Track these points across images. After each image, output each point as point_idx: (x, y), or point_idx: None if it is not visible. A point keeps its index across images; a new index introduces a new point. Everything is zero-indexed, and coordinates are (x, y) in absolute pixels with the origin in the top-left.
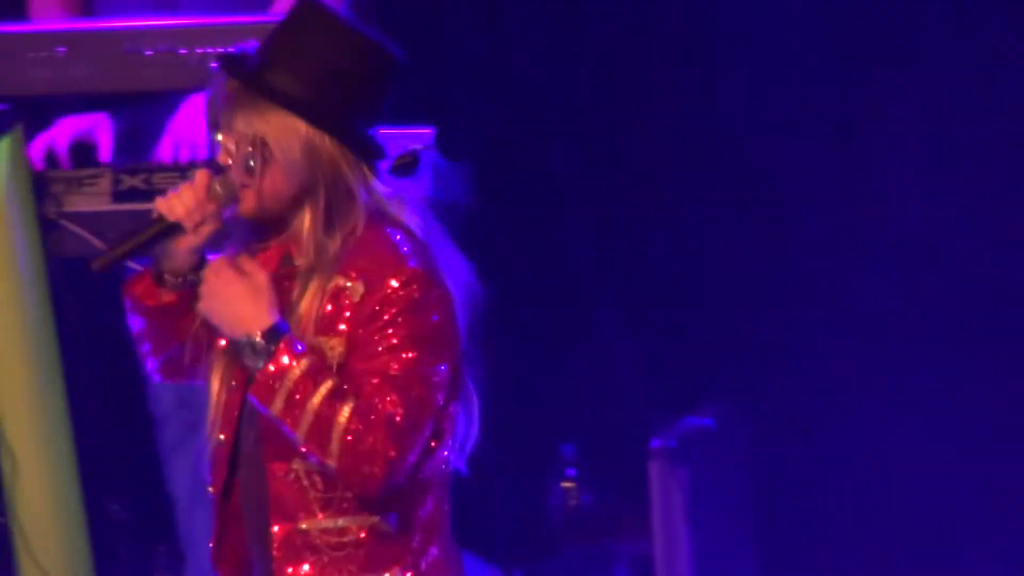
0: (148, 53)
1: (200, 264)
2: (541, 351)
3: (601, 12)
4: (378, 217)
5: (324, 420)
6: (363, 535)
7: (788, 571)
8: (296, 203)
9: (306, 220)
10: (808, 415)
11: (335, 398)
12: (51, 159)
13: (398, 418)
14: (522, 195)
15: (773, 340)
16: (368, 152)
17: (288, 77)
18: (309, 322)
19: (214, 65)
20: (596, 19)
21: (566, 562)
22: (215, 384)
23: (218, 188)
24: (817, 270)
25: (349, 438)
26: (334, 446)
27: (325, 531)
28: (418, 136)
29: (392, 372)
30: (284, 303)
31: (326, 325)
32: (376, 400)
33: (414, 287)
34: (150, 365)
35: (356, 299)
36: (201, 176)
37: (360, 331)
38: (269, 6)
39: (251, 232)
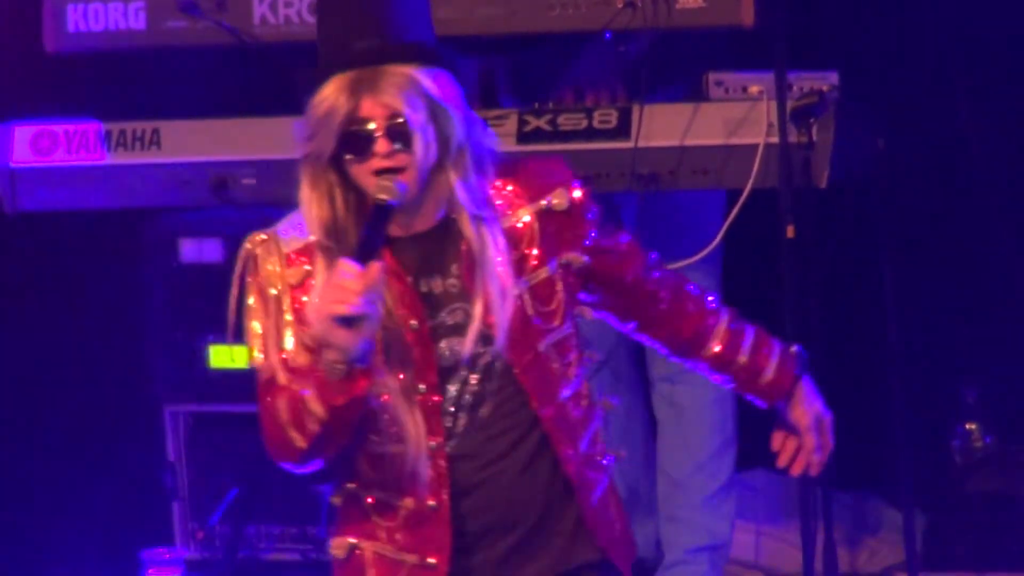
0: None
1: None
2: (946, 292)
3: None
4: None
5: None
6: None
7: None
8: (440, 163)
9: (452, 175)
10: None
11: None
12: None
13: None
14: (926, 138)
15: None
16: (459, 73)
17: (377, 39)
18: (506, 266)
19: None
20: None
21: (969, 504)
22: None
23: (386, 184)
24: None
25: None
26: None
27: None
28: (823, 78)
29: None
30: (473, 260)
31: (552, 248)
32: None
33: (582, 188)
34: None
35: (565, 207)
36: (345, 265)
37: (596, 236)
38: None
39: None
